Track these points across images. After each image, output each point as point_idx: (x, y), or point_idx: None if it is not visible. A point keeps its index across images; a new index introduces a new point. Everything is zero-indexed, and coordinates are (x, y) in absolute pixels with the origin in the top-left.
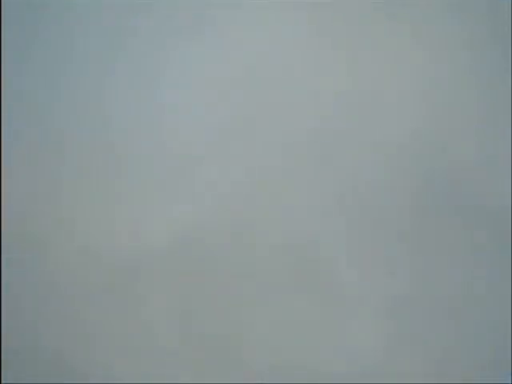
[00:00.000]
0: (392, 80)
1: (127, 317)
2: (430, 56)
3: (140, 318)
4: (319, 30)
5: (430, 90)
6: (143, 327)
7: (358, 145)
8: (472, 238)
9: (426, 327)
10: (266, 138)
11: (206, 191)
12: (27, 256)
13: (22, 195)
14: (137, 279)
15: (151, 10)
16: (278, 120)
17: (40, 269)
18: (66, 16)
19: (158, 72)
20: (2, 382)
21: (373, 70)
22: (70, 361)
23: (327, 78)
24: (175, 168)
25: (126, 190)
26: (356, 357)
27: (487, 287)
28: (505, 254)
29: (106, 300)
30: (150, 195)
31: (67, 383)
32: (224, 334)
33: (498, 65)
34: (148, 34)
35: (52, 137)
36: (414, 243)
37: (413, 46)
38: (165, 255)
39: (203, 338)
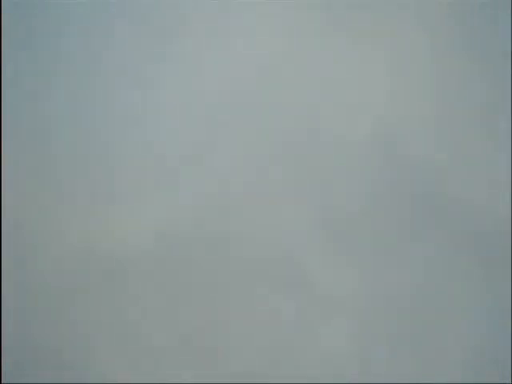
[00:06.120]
0: (382, 79)
1: (119, 316)
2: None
3: (130, 317)
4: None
5: (418, 89)
6: (134, 326)
7: (334, 144)
8: (447, 237)
9: (400, 328)
10: (253, 139)
11: (192, 192)
12: (24, 257)
13: (17, 197)
14: (126, 279)
15: (148, 10)
16: (265, 122)
17: (36, 270)
18: (64, 16)
19: (145, 73)
20: (2, 382)
21: (359, 70)
22: (69, 360)
23: (309, 81)
24: (161, 169)
25: (114, 191)
26: (331, 357)
27: (464, 287)
28: (485, 254)
29: (98, 299)
30: (135, 196)
31: (67, 383)
32: (206, 334)
33: (477, 62)
34: (140, 35)
35: (45, 140)
36: (387, 244)
37: (395, 45)
38: (151, 256)
39: (186, 337)
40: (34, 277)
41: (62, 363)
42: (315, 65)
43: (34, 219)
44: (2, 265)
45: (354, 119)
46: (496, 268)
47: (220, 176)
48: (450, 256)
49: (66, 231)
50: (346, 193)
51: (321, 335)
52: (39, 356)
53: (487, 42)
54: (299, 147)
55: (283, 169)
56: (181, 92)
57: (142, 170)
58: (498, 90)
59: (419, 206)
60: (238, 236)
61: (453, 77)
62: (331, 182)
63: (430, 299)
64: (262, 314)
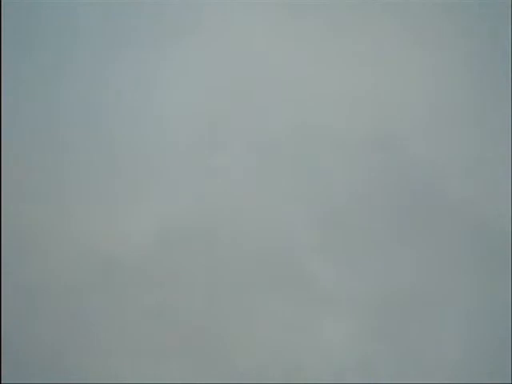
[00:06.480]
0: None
1: (119, 316)
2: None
3: (130, 317)
4: (299, 25)
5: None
6: (133, 326)
7: (334, 143)
8: (447, 237)
9: (400, 327)
10: (253, 139)
11: (191, 191)
12: (23, 257)
13: (17, 197)
14: (126, 279)
15: (148, 9)
16: (261, 120)
17: (36, 269)
18: (64, 16)
19: (146, 72)
20: (2, 382)
21: (358, 69)
22: (69, 360)
23: (305, 79)
24: (161, 167)
25: (114, 190)
26: (331, 357)
27: (464, 286)
28: (485, 254)
29: (98, 299)
30: (135, 194)
31: (67, 383)
32: (205, 332)
33: (477, 61)
34: (144, 32)
35: (45, 139)
36: (387, 243)
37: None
38: (151, 255)
39: (186, 337)
40: (34, 276)
41: (62, 363)
42: (315, 65)
43: (33, 219)
44: (2, 265)
45: (354, 119)
46: (496, 267)
47: (220, 175)
48: (450, 255)
49: (66, 231)
50: (345, 192)
51: (320, 335)
52: (39, 356)
53: (487, 41)
54: (299, 147)
55: (283, 168)
56: (181, 92)
57: (142, 170)
58: (498, 89)
59: (419, 205)
60: (238, 236)
61: (453, 76)
62: (331, 182)
63: (429, 299)
64: (261, 313)
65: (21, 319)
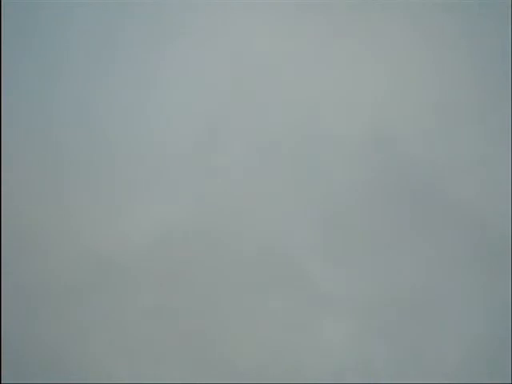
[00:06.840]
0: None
1: (119, 316)
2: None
3: (130, 317)
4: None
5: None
6: (133, 326)
7: (334, 143)
8: (447, 237)
9: (400, 328)
10: (253, 139)
11: (191, 191)
12: (23, 257)
13: (17, 197)
14: (126, 279)
15: (147, 9)
16: (262, 120)
17: (36, 269)
18: (64, 16)
19: (146, 72)
20: (2, 382)
21: (356, 69)
22: (69, 360)
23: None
24: (160, 168)
25: (112, 190)
26: (331, 355)
27: (464, 286)
28: (485, 253)
29: (98, 299)
30: (135, 195)
31: (67, 383)
32: (205, 333)
33: (477, 61)
34: (143, 32)
35: (45, 140)
36: (387, 243)
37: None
38: (151, 255)
39: (186, 337)
40: (34, 277)
41: (62, 363)
42: (314, 65)
43: (33, 219)
44: (2, 265)
45: (354, 118)
46: (496, 268)
47: (220, 176)
48: (450, 255)
49: (65, 231)
50: (345, 192)
51: (320, 335)
52: (39, 356)
53: (487, 41)
54: (299, 147)
55: (283, 168)
56: (181, 92)
57: (141, 170)
58: (498, 89)
59: (419, 205)
60: (238, 236)
61: (452, 76)
62: (331, 182)
63: (429, 299)
64: (261, 313)
65: (21, 319)
